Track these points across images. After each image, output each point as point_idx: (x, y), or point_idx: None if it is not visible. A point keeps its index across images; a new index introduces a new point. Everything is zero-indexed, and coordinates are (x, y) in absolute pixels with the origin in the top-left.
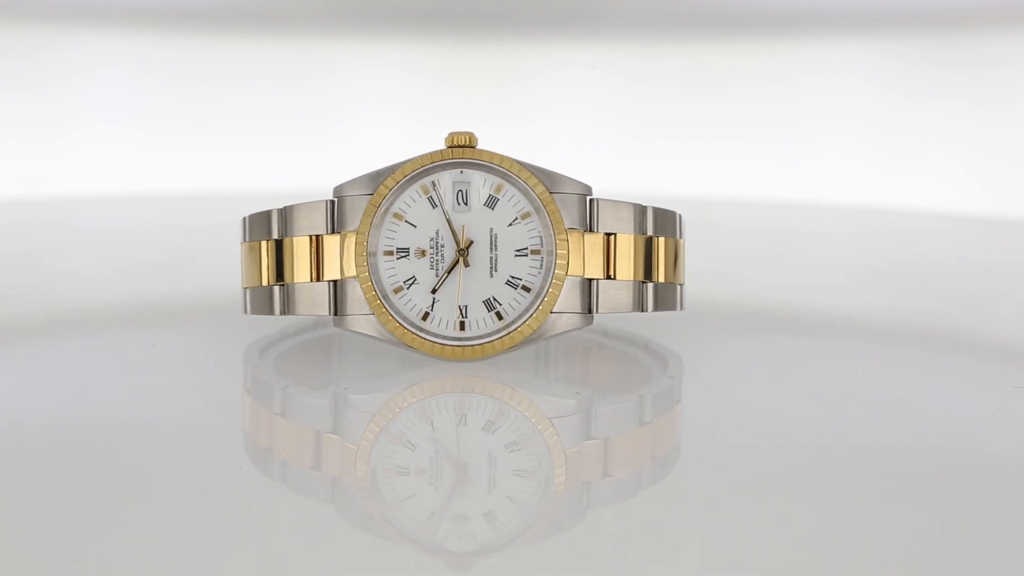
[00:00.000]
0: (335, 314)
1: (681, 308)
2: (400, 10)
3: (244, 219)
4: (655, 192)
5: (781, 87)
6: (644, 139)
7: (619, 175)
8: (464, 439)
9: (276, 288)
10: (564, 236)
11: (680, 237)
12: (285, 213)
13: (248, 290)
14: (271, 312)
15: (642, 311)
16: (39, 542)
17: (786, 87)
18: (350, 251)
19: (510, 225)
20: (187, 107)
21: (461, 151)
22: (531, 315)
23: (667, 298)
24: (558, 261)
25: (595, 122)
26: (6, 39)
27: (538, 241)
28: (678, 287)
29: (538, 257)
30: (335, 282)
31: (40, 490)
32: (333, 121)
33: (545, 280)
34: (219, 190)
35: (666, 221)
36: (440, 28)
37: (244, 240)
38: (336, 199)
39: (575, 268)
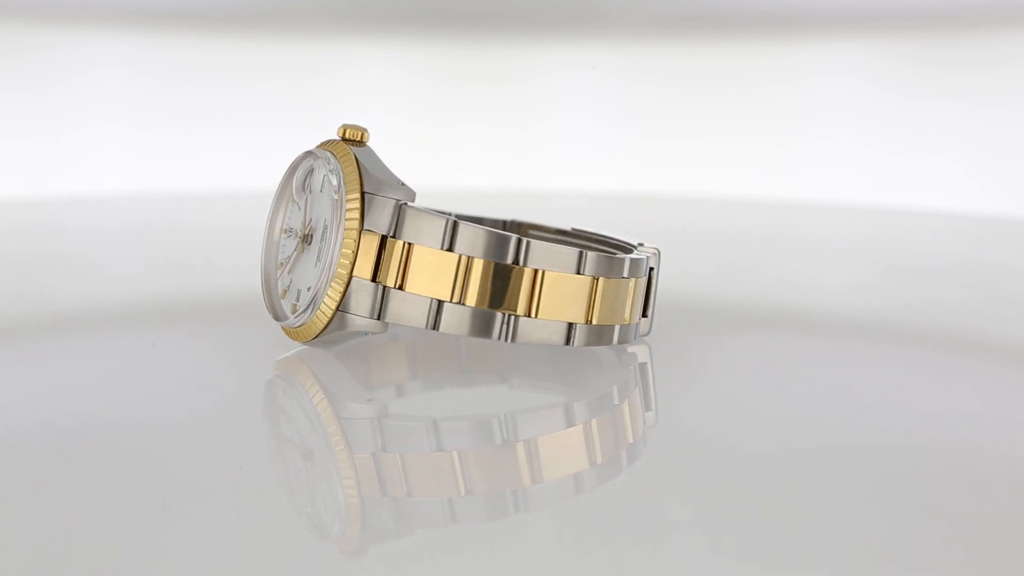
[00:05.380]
0: None
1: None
2: (400, 10)
3: None
4: (656, 192)
5: (781, 87)
6: (644, 139)
7: (619, 175)
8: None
9: None
10: (354, 238)
11: (627, 276)
12: None
13: None
14: None
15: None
16: (39, 542)
17: (786, 87)
18: None
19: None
20: (187, 107)
21: (331, 144)
22: (315, 311)
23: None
24: (341, 260)
25: (595, 122)
26: (6, 39)
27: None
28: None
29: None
30: None
31: (39, 490)
32: (333, 121)
33: (327, 278)
34: (219, 190)
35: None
36: (440, 28)
37: None
38: None
39: (363, 271)
